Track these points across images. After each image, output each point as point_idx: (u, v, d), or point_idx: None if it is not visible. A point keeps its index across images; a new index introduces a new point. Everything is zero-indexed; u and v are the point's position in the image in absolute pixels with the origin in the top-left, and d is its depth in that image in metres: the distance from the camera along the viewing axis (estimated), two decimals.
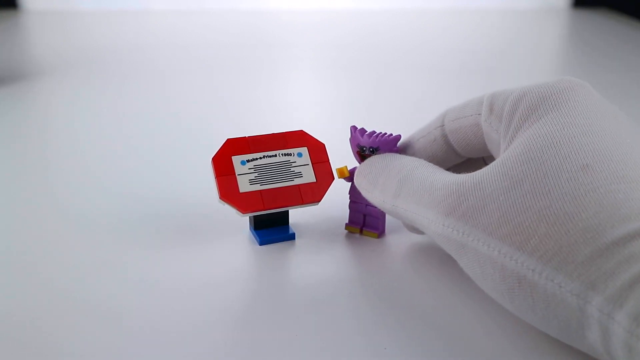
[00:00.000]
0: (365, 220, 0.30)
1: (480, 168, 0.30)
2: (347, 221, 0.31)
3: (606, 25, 0.95)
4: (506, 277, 0.20)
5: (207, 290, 0.26)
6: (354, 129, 0.29)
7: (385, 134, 0.28)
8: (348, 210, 0.31)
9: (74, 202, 0.35)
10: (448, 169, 0.29)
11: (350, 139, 0.29)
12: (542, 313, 0.20)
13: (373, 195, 0.27)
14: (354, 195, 0.30)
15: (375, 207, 0.29)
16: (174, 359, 0.22)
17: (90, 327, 0.23)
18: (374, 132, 0.28)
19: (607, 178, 0.20)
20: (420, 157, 0.28)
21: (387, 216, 0.30)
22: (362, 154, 0.28)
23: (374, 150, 0.28)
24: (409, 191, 0.24)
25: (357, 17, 1.01)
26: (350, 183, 0.30)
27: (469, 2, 1.10)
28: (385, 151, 0.28)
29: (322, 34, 0.89)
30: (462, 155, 0.28)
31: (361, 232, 0.30)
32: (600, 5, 1.09)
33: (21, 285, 0.26)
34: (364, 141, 0.28)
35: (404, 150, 0.29)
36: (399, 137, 0.28)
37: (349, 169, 0.29)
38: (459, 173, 0.30)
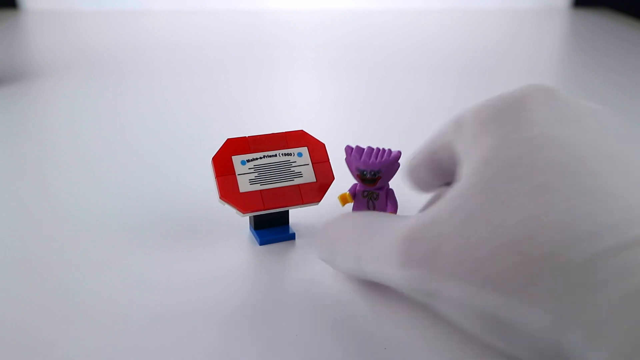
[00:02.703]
0: None
1: None
2: None
3: (606, 25, 0.95)
4: (479, 317, 0.19)
5: (207, 290, 0.26)
6: (349, 150, 0.28)
7: (385, 151, 0.27)
8: None
9: (73, 202, 0.35)
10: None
11: (346, 160, 0.28)
12: (519, 348, 0.19)
13: (338, 266, 0.25)
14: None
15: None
16: (173, 357, 0.22)
17: (91, 326, 0.23)
18: (370, 150, 0.27)
19: (565, 193, 0.18)
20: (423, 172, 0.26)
21: None
22: (362, 178, 0.27)
23: (376, 174, 0.27)
24: (367, 250, 0.23)
25: (357, 18, 1.01)
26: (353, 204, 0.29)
27: (469, 2, 1.10)
28: (387, 174, 0.27)
29: (322, 34, 0.89)
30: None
31: None
32: (600, 5, 1.09)
33: (21, 286, 0.26)
34: (363, 165, 0.27)
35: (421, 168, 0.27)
36: (398, 154, 0.27)
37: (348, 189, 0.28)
38: None
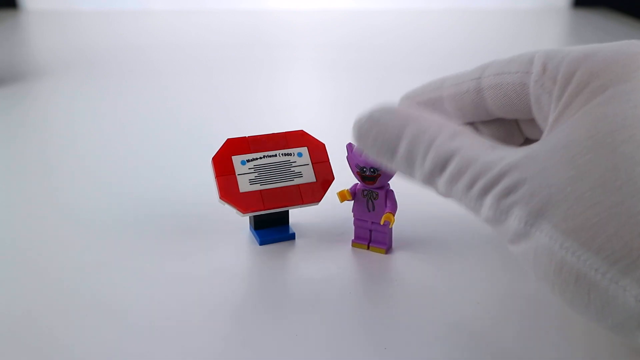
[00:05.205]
0: (371, 236, 0.29)
1: (513, 130, 0.27)
2: (353, 237, 0.30)
3: (606, 25, 0.95)
4: (563, 272, 0.19)
5: (207, 289, 0.26)
6: (350, 147, 0.28)
7: None
8: (349, 216, 0.30)
9: (73, 201, 0.35)
10: (473, 124, 0.27)
11: (347, 157, 0.28)
12: (596, 310, 0.19)
13: (393, 166, 0.23)
14: (358, 213, 0.29)
15: (382, 225, 0.28)
16: (173, 357, 0.22)
17: (91, 324, 0.23)
18: None
19: None
20: (448, 106, 0.26)
21: (394, 231, 0.30)
22: (362, 175, 0.28)
23: (375, 170, 0.27)
24: (453, 173, 0.21)
25: (357, 18, 1.01)
26: (352, 201, 0.29)
27: (469, 2, 1.10)
28: (387, 172, 0.27)
29: (322, 34, 0.89)
30: (493, 114, 0.26)
31: (368, 247, 0.29)
32: (600, 5, 1.09)
33: (23, 284, 0.26)
34: (363, 161, 0.27)
35: (432, 94, 0.26)
36: None
37: (349, 189, 0.29)
38: (485, 130, 0.27)
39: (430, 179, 0.22)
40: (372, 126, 0.24)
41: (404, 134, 0.23)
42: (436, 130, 0.23)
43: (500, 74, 0.24)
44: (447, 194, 0.22)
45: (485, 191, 0.21)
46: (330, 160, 0.30)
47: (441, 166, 0.22)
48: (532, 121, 0.26)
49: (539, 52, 0.23)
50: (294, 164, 0.30)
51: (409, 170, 0.23)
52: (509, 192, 0.20)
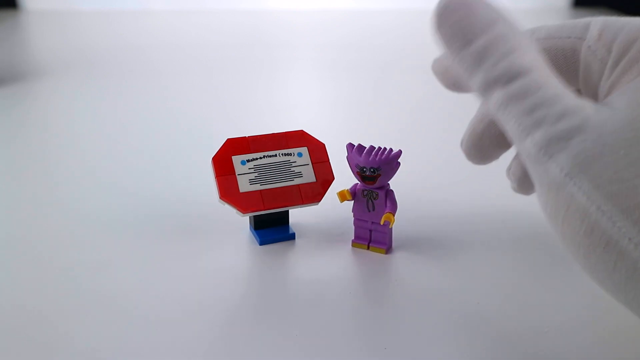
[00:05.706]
0: (371, 236, 0.29)
1: None
2: (353, 237, 0.30)
3: None
4: (594, 235, 0.18)
5: (207, 290, 0.26)
6: (350, 147, 0.28)
7: (385, 150, 0.28)
8: (349, 216, 0.30)
9: (73, 201, 0.35)
10: None
11: (347, 157, 0.28)
12: (619, 281, 0.18)
13: (458, 57, 0.21)
14: (358, 213, 0.29)
15: (382, 225, 0.28)
16: (173, 356, 0.22)
17: (92, 323, 0.23)
18: (372, 148, 0.28)
19: None
20: None
21: (393, 231, 0.30)
22: (362, 175, 0.28)
23: (375, 170, 0.27)
24: (519, 90, 0.20)
25: (357, 18, 1.01)
26: (352, 201, 0.29)
27: None
28: (387, 172, 0.27)
29: (322, 34, 0.89)
30: None
31: (368, 247, 0.29)
32: (600, 5, 1.09)
33: (24, 283, 0.26)
34: (363, 161, 0.27)
35: None
36: (399, 153, 0.28)
37: (349, 189, 0.29)
38: None
39: (490, 87, 0.21)
40: (462, 6, 0.22)
41: (490, 28, 0.21)
42: (521, 41, 0.21)
43: (550, 38, 0.24)
44: (497, 109, 0.21)
45: (540, 123, 0.19)
46: (330, 160, 0.30)
47: (509, 77, 0.20)
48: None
49: (595, 19, 0.23)
50: (294, 164, 0.30)
51: (472, 68, 0.21)
52: (562, 135, 0.19)
